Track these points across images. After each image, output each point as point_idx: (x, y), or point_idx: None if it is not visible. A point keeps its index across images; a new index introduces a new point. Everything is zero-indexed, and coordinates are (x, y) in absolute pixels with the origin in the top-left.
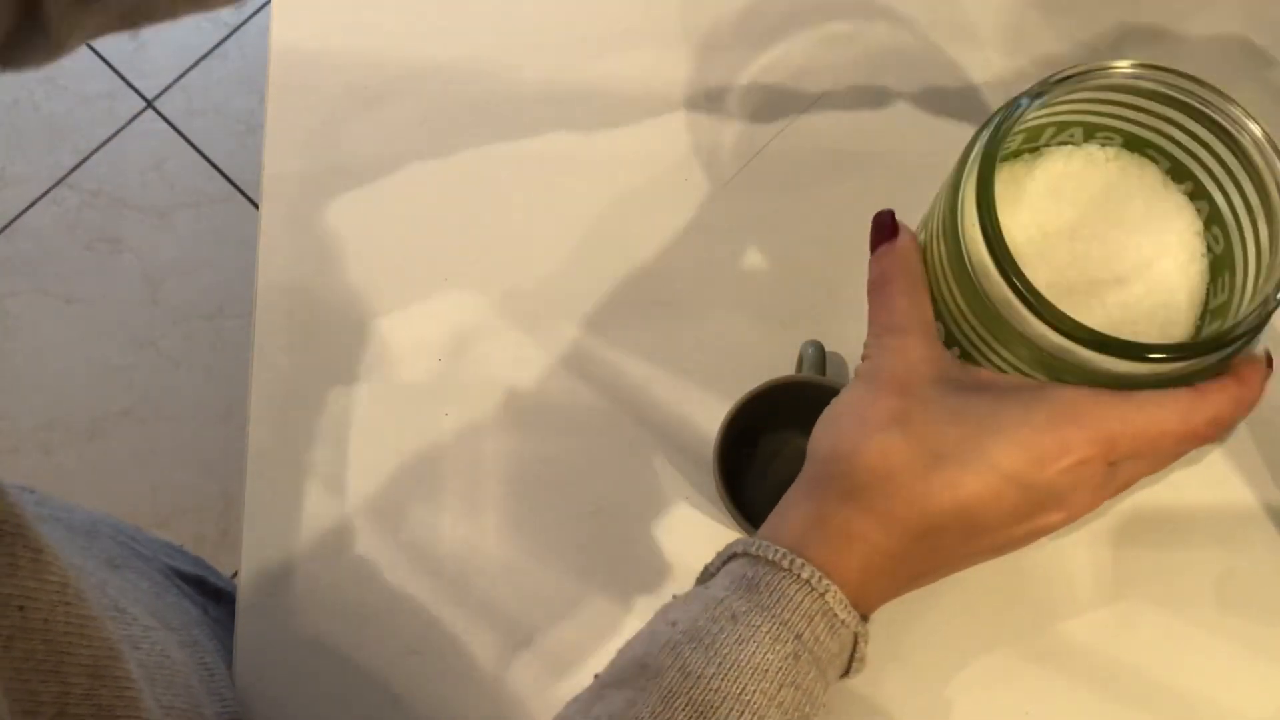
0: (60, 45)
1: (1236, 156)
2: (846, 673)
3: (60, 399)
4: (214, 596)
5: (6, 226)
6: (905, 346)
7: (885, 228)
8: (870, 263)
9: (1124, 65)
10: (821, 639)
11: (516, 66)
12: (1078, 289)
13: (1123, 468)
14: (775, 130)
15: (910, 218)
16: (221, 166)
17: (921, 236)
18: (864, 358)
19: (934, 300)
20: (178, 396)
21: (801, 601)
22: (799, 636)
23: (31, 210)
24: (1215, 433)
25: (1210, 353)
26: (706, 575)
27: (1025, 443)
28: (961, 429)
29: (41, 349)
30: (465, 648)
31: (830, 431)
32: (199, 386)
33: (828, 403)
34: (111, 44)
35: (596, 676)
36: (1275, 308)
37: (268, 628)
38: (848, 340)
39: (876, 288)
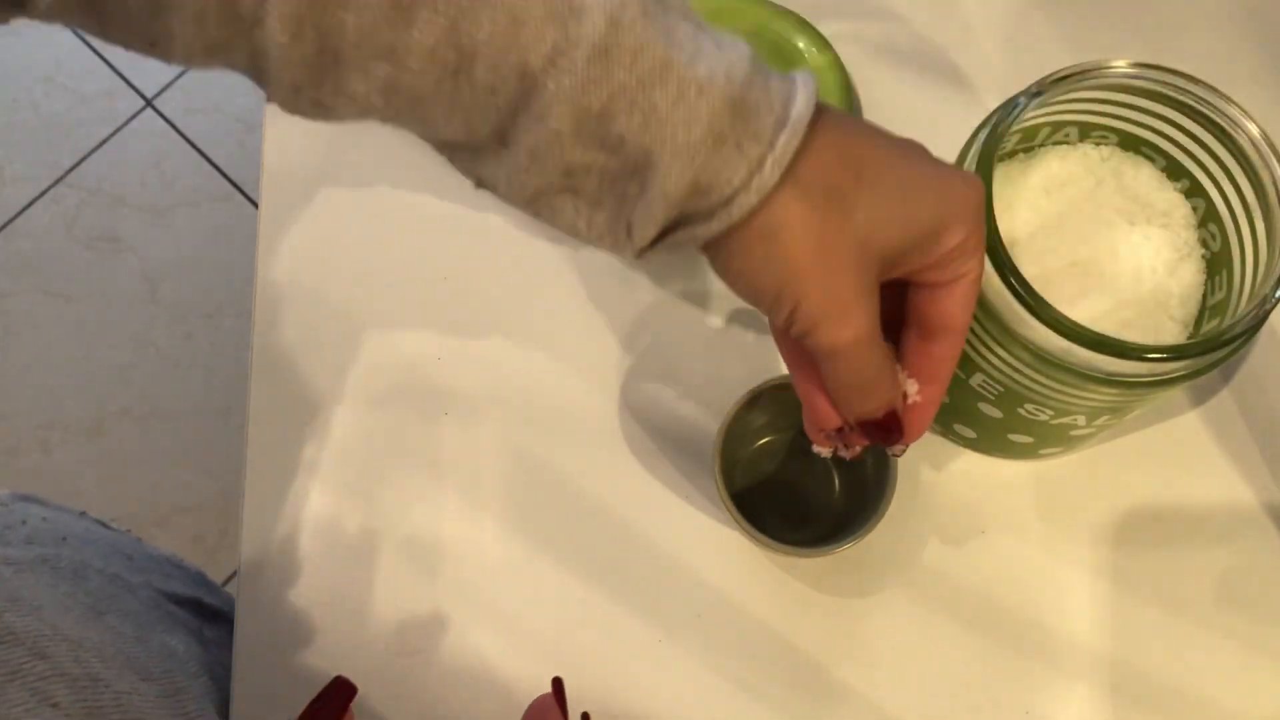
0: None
1: (1234, 155)
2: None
3: (59, 398)
4: (210, 617)
5: (6, 225)
6: None
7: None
8: None
9: (1122, 65)
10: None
11: None
12: (1071, 287)
13: None
14: None
15: None
16: (221, 165)
17: None
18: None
19: None
20: (177, 395)
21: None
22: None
23: (31, 209)
24: None
25: (1207, 352)
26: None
27: None
28: None
29: (41, 348)
30: (465, 648)
31: None
32: (198, 385)
33: None
34: None
35: None
36: (1273, 307)
37: (267, 628)
38: None
39: None
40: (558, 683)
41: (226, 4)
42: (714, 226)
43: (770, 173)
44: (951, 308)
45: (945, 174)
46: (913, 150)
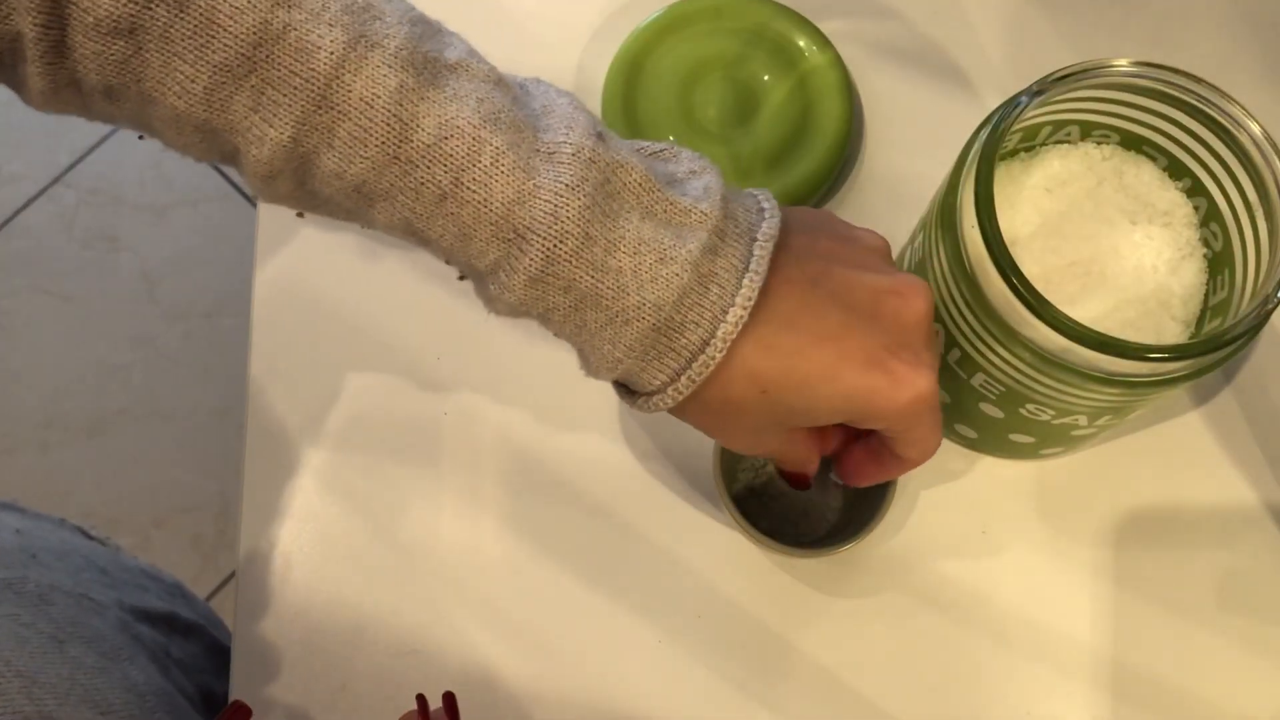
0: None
1: (1236, 155)
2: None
3: (58, 397)
4: (183, 632)
5: (4, 225)
6: None
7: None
8: None
9: (1123, 63)
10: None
11: (518, 63)
12: (1073, 286)
13: None
14: None
15: (908, 218)
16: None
17: (920, 237)
18: None
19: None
20: (176, 395)
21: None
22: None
23: (29, 208)
24: None
25: (1209, 352)
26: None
27: None
28: None
29: (39, 347)
30: (465, 648)
31: None
32: (197, 385)
33: None
34: None
35: None
36: (1275, 307)
37: (266, 628)
38: None
39: None
40: (449, 698)
41: (207, 147)
42: (638, 405)
43: (685, 385)
44: (890, 448)
45: (871, 380)
46: (848, 344)
